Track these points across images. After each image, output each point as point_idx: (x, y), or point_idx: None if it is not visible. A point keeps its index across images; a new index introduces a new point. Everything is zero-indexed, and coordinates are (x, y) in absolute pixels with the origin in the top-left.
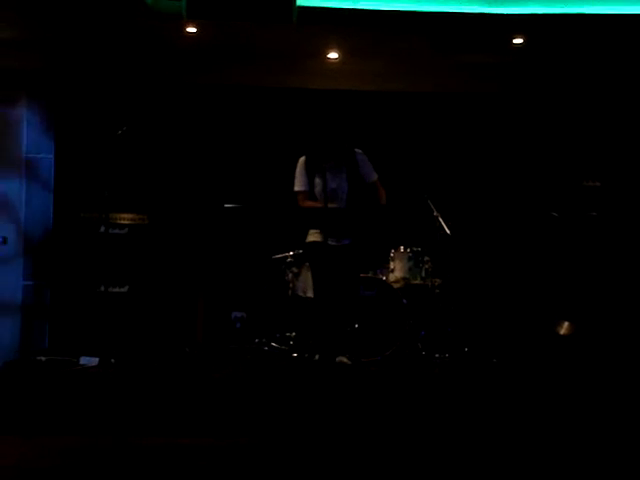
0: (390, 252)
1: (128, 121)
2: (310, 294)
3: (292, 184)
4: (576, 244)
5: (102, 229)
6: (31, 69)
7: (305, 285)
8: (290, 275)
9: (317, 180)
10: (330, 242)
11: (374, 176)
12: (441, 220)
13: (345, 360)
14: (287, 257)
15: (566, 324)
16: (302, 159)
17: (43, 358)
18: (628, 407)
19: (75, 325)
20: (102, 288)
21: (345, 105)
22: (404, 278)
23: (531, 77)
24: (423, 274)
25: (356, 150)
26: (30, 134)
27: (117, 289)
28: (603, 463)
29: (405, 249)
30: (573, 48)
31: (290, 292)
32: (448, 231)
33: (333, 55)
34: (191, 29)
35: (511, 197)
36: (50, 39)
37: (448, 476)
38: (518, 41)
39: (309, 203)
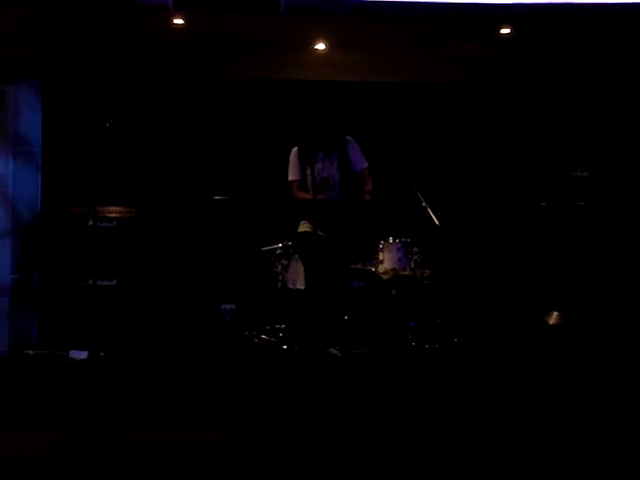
0: (379, 243)
1: (116, 114)
2: (299, 286)
3: (281, 176)
4: (565, 234)
5: (90, 222)
6: (19, 61)
7: (294, 277)
8: (279, 267)
9: (308, 170)
10: (320, 233)
11: (363, 165)
12: (430, 211)
13: (335, 352)
14: (276, 249)
15: (555, 314)
16: (295, 149)
17: (32, 352)
18: (618, 396)
19: (64, 319)
20: (91, 281)
21: (333, 96)
22: (393, 269)
23: (519, 67)
24: (412, 265)
25: (347, 138)
26: (18, 127)
27: (106, 282)
28: (594, 454)
29: (394, 240)
30: (561, 38)
31: (279, 284)
32: (437, 222)
33: (320, 46)
34: (178, 20)
35: (500, 187)
36: (39, 31)
37: (439, 467)
38: (505, 31)
39: (301, 194)
